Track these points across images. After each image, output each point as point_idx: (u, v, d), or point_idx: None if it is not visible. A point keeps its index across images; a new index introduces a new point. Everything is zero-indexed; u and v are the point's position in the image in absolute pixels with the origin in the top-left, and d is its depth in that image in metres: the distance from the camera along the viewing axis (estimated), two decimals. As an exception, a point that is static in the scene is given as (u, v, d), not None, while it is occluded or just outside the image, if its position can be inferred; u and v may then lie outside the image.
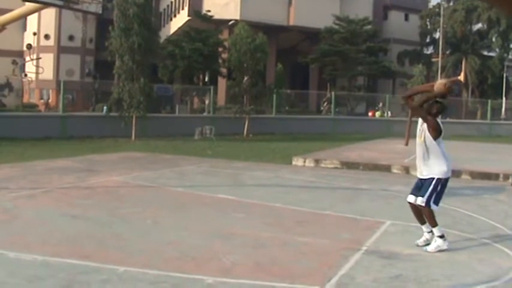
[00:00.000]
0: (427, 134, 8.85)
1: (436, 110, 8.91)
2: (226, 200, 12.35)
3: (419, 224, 9.12)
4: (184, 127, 33.44)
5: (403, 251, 8.50)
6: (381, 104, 49.42)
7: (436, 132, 8.82)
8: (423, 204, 8.77)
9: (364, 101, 57.15)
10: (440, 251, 8.60)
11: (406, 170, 18.77)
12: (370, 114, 48.42)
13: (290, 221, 10.40)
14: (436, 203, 8.84)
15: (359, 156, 22.40)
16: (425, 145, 8.89)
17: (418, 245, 8.88)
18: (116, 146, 25.96)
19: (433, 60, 62.22)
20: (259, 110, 38.42)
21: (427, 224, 8.91)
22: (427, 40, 69.47)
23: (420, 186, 8.97)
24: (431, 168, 8.87)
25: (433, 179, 8.82)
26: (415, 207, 9.02)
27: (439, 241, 8.71)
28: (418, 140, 9.02)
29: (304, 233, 9.37)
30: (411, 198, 9.02)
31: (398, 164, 19.62)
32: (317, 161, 20.27)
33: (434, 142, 8.83)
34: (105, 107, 32.91)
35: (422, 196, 8.79)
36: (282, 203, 12.08)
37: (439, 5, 65.25)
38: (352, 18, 57.14)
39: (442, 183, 8.87)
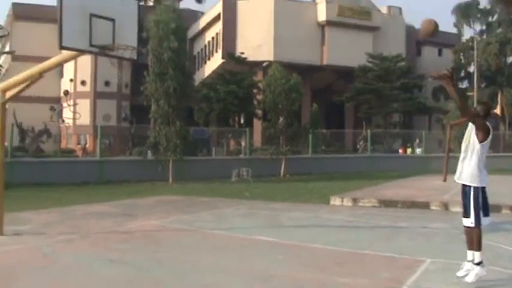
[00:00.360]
0: (474, 137, 8.55)
1: (484, 112, 8.70)
2: (264, 241, 12.29)
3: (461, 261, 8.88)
4: (221, 169, 33.54)
5: (444, 289, 8.40)
6: (417, 141, 49.04)
7: (484, 132, 8.51)
8: (473, 225, 8.48)
9: (400, 138, 56.83)
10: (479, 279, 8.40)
11: (445, 206, 18.55)
12: (400, 151, 47.94)
13: (329, 261, 10.29)
14: (486, 214, 8.53)
15: (396, 194, 22.22)
16: (470, 148, 8.62)
17: (458, 277, 8.67)
18: (153, 189, 26.05)
19: (469, 94, 61.76)
20: (296, 151, 38.38)
21: (472, 251, 8.58)
22: (462, 74, 69.08)
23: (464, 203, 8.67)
24: (469, 174, 8.59)
25: (471, 188, 8.53)
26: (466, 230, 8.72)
27: (477, 269, 8.46)
28: (463, 144, 8.75)
29: (343, 274, 9.28)
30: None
31: (437, 200, 19.41)
32: (355, 200, 20.15)
33: (478, 146, 8.51)
34: (149, 152, 33.09)
35: (469, 216, 8.49)
36: (320, 243, 12.00)
37: (472, 38, 64.99)
38: (385, 55, 57.09)
39: (482, 192, 8.54)
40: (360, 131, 51.87)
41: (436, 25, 9.09)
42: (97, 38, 11.46)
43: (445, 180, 27.73)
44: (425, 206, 19.02)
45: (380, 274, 9.29)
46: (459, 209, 16.88)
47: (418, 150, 46.86)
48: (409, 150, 47.45)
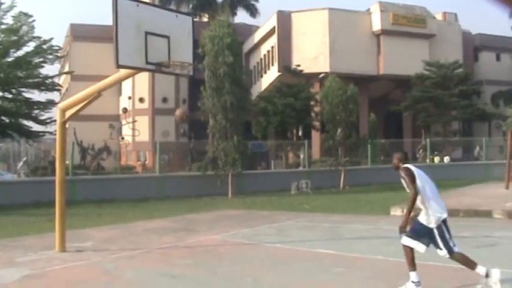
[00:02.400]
0: None
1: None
2: (325, 254, 12.21)
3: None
4: (280, 182, 33.51)
5: (512, 300, 8.22)
6: (477, 148, 48.39)
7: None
8: (448, 255, 9.31)
9: (461, 146, 56.13)
10: None
11: (509, 214, 18.24)
12: (427, 160, 46.89)
13: (392, 274, 10.15)
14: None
15: (458, 202, 21.89)
16: None
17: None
18: (213, 204, 26.13)
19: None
20: (355, 162, 38.18)
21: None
22: (521, 78, 68.01)
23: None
24: None
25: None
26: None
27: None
28: None
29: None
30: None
31: (499, 208, 19.10)
32: (416, 210, 19.88)
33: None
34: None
35: (440, 248, 9.33)
36: (382, 255, 11.86)
37: (531, 42, 63.94)
38: (442, 62, 56.45)
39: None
40: (418, 140, 51.36)
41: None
42: (153, 55, 11.56)
43: (507, 187, 27.37)
44: (488, 214, 18.72)
45: (443, 285, 9.17)
46: (523, 217, 16.65)
47: (446, 159, 46.05)
48: (436, 159, 46.43)
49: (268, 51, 62.19)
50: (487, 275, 8.95)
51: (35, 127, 41.07)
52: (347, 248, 12.96)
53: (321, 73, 52.73)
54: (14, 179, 35.88)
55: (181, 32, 12.23)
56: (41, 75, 41.27)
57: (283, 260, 11.70)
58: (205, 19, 63.17)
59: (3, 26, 38.57)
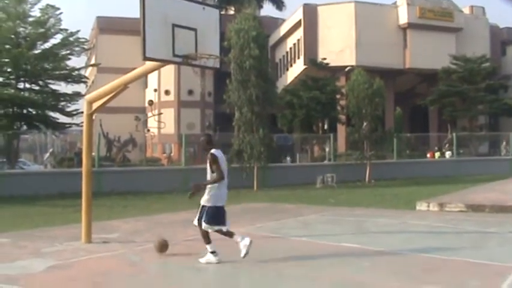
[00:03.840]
0: None
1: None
2: (350, 248, 12.17)
3: None
4: (305, 176, 33.52)
5: (540, 296, 8.14)
6: (504, 143, 48.05)
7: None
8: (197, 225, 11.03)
9: (487, 141, 55.77)
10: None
11: (536, 211, 18.12)
12: (428, 155, 46.27)
13: (418, 268, 10.08)
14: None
15: (484, 198, 21.73)
16: None
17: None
18: (238, 197, 26.09)
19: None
20: (380, 155, 38.09)
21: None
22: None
23: None
24: None
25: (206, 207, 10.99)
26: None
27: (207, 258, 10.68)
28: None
29: (432, 281, 9.07)
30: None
31: (526, 204, 18.99)
32: (441, 205, 19.79)
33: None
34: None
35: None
36: (408, 250, 11.80)
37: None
38: (469, 56, 56.07)
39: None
40: (445, 135, 51.13)
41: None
42: (180, 47, 11.54)
43: (534, 183, 27.16)
44: (515, 210, 18.56)
45: (470, 281, 9.07)
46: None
47: (448, 154, 45.67)
48: (437, 155, 45.94)
49: (294, 44, 62.21)
50: (213, 252, 10.72)
51: (62, 119, 41.25)
52: (373, 242, 12.92)
53: (346, 66, 52.58)
54: (40, 169, 36.14)
55: (208, 24, 12.21)
56: (67, 68, 41.44)
57: (308, 254, 11.67)
58: (231, 12, 63.21)
59: (30, 19, 38.77)
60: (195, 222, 10.95)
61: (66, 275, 9.83)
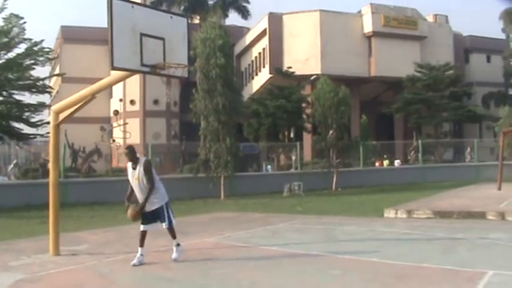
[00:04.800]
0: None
1: None
2: (320, 256, 12.19)
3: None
4: (272, 184, 33.57)
5: (510, 302, 8.18)
6: (468, 149, 48.52)
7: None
8: (168, 226, 11.82)
9: (452, 147, 56.26)
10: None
11: (502, 216, 18.28)
12: (377, 164, 46.22)
13: (388, 276, 10.12)
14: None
15: (451, 204, 21.95)
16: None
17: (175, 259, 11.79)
18: (206, 206, 26.10)
19: (517, 101, 60.61)
20: (347, 163, 38.24)
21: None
22: (512, 81, 68.15)
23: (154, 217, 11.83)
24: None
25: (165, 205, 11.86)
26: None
27: (180, 248, 11.97)
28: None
29: (404, 288, 9.14)
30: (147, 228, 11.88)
31: (492, 210, 19.15)
32: (409, 212, 19.91)
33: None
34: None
35: (165, 221, 11.78)
36: (378, 257, 11.83)
37: (522, 44, 63.96)
38: (433, 64, 56.57)
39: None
40: (410, 142, 51.46)
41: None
42: (148, 57, 11.50)
43: (499, 188, 27.43)
44: (482, 215, 18.74)
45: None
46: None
47: (397, 162, 45.91)
48: (385, 163, 46.03)
49: (260, 53, 62.18)
50: (178, 244, 11.98)
51: (26, 129, 40.94)
52: (342, 250, 12.95)
53: (312, 75, 52.70)
54: (4, 181, 35.74)
55: (177, 33, 12.17)
56: (31, 77, 41.18)
57: (278, 263, 11.67)
58: (197, 21, 63.12)
59: (-6, 28, 38.48)
60: (166, 225, 11.84)
61: (36, 289, 9.71)
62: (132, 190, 11.99)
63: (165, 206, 11.83)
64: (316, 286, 9.46)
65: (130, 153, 11.96)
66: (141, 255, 11.54)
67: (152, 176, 11.76)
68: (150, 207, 11.70)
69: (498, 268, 10.33)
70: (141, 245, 11.65)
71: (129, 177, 11.98)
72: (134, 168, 11.84)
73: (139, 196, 11.82)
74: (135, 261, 11.43)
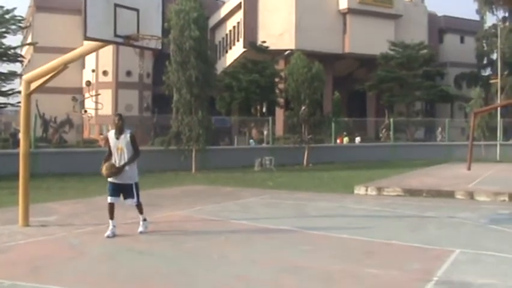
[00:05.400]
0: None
1: None
2: (291, 232, 12.22)
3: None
4: (243, 158, 33.57)
5: (476, 280, 8.22)
6: (439, 129, 48.82)
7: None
8: (136, 203, 12.03)
9: (423, 126, 56.64)
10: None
11: (471, 195, 18.46)
12: (338, 141, 46.26)
13: (358, 252, 10.19)
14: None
15: (421, 182, 22.11)
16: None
17: (141, 232, 12.03)
18: (177, 179, 26.06)
19: (492, 81, 61.11)
20: (318, 139, 38.34)
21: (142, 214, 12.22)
22: (484, 62, 68.50)
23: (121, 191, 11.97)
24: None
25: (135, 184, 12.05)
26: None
27: (146, 223, 12.22)
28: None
29: (373, 264, 9.17)
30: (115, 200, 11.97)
31: (462, 189, 19.32)
32: (379, 189, 20.03)
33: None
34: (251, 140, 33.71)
35: (133, 198, 11.96)
36: (347, 233, 11.88)
37: (495, 26, 64.12)
38: (407, 43, 56.82)
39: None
40: (382, 120, 51.72)
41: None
42: (122, 28, 11.40)
43: (469, 168, 27.67)
44: (451, 195, 18.91)
45: (410, 265, 9.18)
46: (485, 198, 16.97)
47: (357, 140, 46.24)
48: (345, 139, 46.20)
49: (234, 27, 62.10)
50: (145, 219, 12.23)
51: (-4, 99, 40.62)
52: (312, 225, 13.01)
53: (286, 50, 52.81)
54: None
55: (151, 5, 12.06)
56: (3, 46, 40.78)
57: (249, 237, 11.69)
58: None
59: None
60: (135, 201, 12.03)
61: (5, 259, 9.62)
62: (110, 156, 11.93)
63: (134, 184, 11.98)
64: (285, 261, 9.47)
65: (122, 120, 11.93)
66: (113, 226, 11.67)
67: (137, 146, 12.03)
68: (123, 178, 11.80)
69: (465, 247, 10.43)
70: (111, 217, 11.72)
71: (111, 145, 11.88)
72: (117, 138, 11.84)
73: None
74: (108, 232, 11.44)
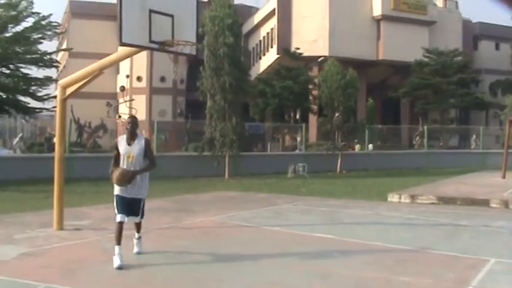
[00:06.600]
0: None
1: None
2: (324, 239, 12.18)
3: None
4: (276, 165, 33.51)
5: (512, 290, 8.17)
6: (474, 136, 48.43)
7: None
8: (140, 220, 10.53)
9: (457, 134, 56.21)
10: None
11: (505, 204, 18.27)
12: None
13: (391, 259, 10.13)
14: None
15: (455, 190, 21.92)
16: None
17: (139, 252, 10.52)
18: (210, 185, 26.09)
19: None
20: (352, 146, 38.22)
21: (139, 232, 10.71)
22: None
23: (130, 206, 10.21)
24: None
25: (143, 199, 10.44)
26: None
27: (141, 241, 10.67)
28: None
29: (406, 273, 9.11)
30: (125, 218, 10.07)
31: (497, 198, 19.13)
32: (413, 197, 19.90)
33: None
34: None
35: (139, 215, 10.35)
36: (381, 241, 11.82)
37: (531, 32, 63.59)
38: (441, 50, 56.43)
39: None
40: (416, 127, 51.38)
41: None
42: (156, 34, 11.43)
43: (504, 177, 27.39)
44: (485, 203, 18.71)
45: (444, 274, 9.10)
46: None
47: (370, 146, 45.78)
48: (357, 147, 45.73)
49: (268, 33, 62.08)
50: (140, 237, 10.68)
51: (32, 103, 40.98)
52: (345, 232, 12.95)
53: (320, 57, 52.67)
54: (10, 154, 35.76)
55: (186, 11, 12.10)
56: (39, 52, 41.18)
57: (282, 244, 11.68)
58: (206, -1, 62.95)
59: (2, 1, 38.39)
60: (139, 219, 10.50)
61: (40, 262, 9.71)
62: (117, 165, 10.40)
63: (143, 201, 10.41)
64: (318, 268, 9.45)
65: (135, 124, 10.34)
66: (120, 254, 9.63)
67: (152, 153, 10.77)
68: (134, 192, 10.20)
69: (500, 256, 10.33)
70: (119, 242, 9.81)
71: (121, 153, 10.32)
72: (129, 145, 10.24)
73: None
74: (118, 262, 9.47)
